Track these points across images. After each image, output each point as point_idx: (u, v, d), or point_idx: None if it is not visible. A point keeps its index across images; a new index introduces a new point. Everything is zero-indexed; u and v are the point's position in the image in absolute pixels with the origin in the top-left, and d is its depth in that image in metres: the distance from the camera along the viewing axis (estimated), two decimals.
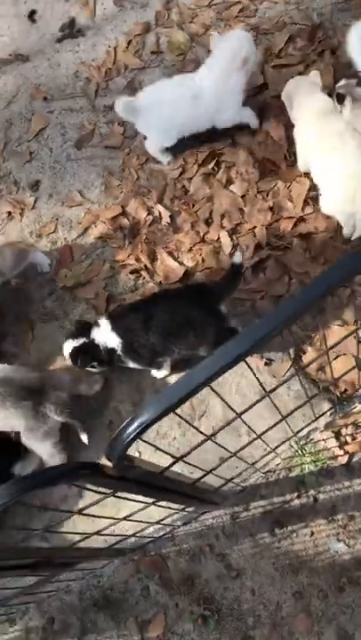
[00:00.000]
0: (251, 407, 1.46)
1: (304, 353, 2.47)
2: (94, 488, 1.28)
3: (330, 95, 2.52)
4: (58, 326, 2.77)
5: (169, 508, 1.88)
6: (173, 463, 1.42)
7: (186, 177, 2.88)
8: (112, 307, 2.72)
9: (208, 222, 2.78)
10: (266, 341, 1.17)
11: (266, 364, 2.47)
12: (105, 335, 2.35)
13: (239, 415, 1.46)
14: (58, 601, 2.34)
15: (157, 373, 2.49)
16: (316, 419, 2.26)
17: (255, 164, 2.81)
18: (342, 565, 2.13)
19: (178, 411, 1.18)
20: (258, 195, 2.77)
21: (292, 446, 2.29)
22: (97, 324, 2.39)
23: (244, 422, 1.55)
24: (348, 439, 2.26)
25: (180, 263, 2.73)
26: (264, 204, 2.74)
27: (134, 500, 1.52)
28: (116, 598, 2.28)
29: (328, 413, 2.28)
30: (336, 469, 2.24)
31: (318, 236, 2.62)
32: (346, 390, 2.33)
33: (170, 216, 2.82)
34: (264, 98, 2.90)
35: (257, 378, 1.51)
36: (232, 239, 2.72)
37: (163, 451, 1.40)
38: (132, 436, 1.15)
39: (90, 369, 2.43)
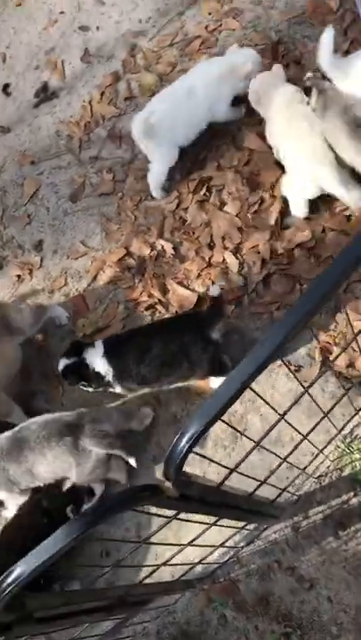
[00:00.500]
0: (292, 406, 1.48)
1: (330, 353, 2.49)
2: (157, 512, 1.29)
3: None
4: None
5: (230, 527, 1.88)
6: (229, 474, 1.44)
7: (182, 207, 2.96)
8: None
9: (211, 246, 2.84)
10: (295, 333, 1.20)
11: (296, 370, 2.49)
12: (96, 358, 2.47)
13: (282, 416, 1.48)
14: None
15: None
16: (357, 412, 2.27)
17: (243, 180, 2.89)
18: None
19: (220, 432, 1.21)
20: (250, 210, 2.83)
21: (338, 446, 2.29)
22: (92, 345, 2.51)
23: (288, 423, 1.57)
24: None
25: (192, 290, 2.78)
26: (261, 221, 2.79)
27: (196, 522, 1.53)
28: (194, 632, 2.25)
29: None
30: None
31: (318, 238, 2.67)
32: None
33: (173, 247, 2.89)
34: None
35: (293, 374, 1.53)
36: (237, 257, 2.77)
37: (217, 463, 1.42)
38: (185, 449, 1.17)
39: (82, 387, 2.56)
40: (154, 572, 1.78)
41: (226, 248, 2.81)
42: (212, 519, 1.61)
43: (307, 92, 2.59)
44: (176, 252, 2.88)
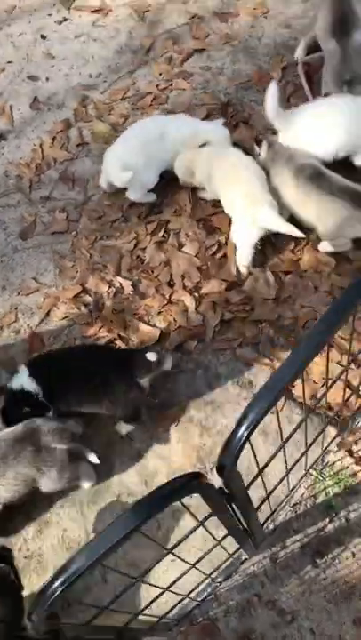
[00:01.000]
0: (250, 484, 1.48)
1: (293, 386, 2.57)
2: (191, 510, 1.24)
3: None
4: None
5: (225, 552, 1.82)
6: (260, 472, 1.42)
7: (140, 247, 3.00)
8: None
9: (171, 284, 2.88)
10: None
11: None
12: (23, 379, 2.39)
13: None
14: None
15: None
16: (329, 444, 2.34)
17: (199, 225, 3.00)
18: None
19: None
20: (208, 252, 2.93)
21: (311, 474, 2.32)
22: (16, 371, 2.45)
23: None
24: None
25: (153, 326, 2.78)
26: (219, 268, 2.89)
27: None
28: None
29: (337, 437, 2.35)
30: (359, 486, 2.29)
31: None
32: (343, 412, 2.42)
33: (132, 285, 2.90)
34: None
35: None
36: (195, 297, 2.83)
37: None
38: (245, 435, 1.15)
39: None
40: (148, 605, 1.66)
41: (185, 287, 2.86)
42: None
43: (258, 144, 2.87)
44: (135, 289, 2.89)
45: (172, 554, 1.41)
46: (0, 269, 3.10)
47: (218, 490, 1.28)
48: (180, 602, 1.91)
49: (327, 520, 2.25)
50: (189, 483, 1.17)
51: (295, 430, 1.69)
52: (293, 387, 2.57)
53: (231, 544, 1.92)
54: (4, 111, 3.65)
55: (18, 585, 1.96)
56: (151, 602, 1.62)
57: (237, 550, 2.00)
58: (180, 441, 2.52)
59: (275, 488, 1.79)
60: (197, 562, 1.67)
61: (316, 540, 2.23)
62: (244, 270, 2.83)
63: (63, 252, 3.09)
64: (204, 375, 2.66)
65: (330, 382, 1.75)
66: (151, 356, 2.42)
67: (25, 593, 1.99)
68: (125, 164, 2.89)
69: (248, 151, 2.90)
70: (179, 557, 1.53)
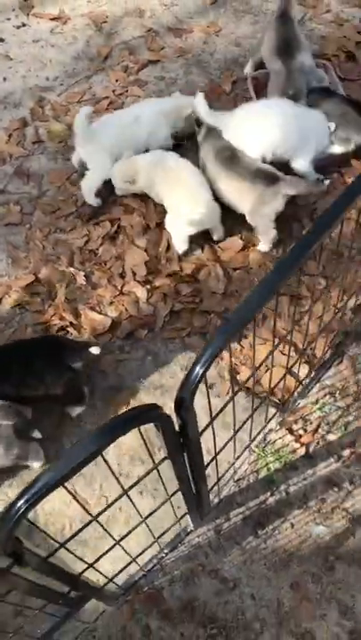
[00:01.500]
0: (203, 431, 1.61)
1: (238, 372, 2.71)
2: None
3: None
4: None
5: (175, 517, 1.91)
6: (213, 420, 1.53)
7: (93, 241, 3.09)
8: None
9: (122, 276, 2.99)
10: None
11: (210, 387, 2.64)
12: None
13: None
14: None
15: None
16: (265, 425, 2.48)
17: (148, 224, 3.13)
18: (327, 546, 2.27)
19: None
20: (157, 248, 3.06)
21: (254, 451, 2.45)
22: None
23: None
24: (301, 432, 2.48)
25: (105, 315, 2.87)
26: (169, 262, 3.02)
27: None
28: None
29: (277, 415, 2.50)
30: (298, 461, 2.43)
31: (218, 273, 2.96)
32: (283, 396, 2.58)
33: (85, 276, 2.98)
34: None
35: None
36: (146, 289, 2.94)
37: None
38: (207, 363, 1.28)
39: None
40: (98, 560, 1.73)
41: (137, 279, 2.97)
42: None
43: (198, 124, 3.13)
44: (88, 280, 2.98)
45: (127, 497, 1.50)
46: None
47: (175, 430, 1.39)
48: (128, 564, 1.98)
49: (268, 494, 2.38)
50: (150, 411, 1.27)
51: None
52: (239, 373, 2.72)
53: (181, 508, 2.02)
54: None
55: None
56: (104, 553, 1.69)
57: (184, 515, 2.09)
58: None
59: (220, 450, 1.90)
60: (148, 516, 1.76)
61: (258, 512, 2.35)
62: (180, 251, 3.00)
63: (17, 243, 3.15)
64: (153, 362, 2.76)
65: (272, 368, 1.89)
66: (95, 350, 2.56)
67: None
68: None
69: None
70: (132, 502, 1.61)
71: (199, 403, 1.56)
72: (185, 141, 3.30)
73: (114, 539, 1.68)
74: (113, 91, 3.66)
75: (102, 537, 2.23)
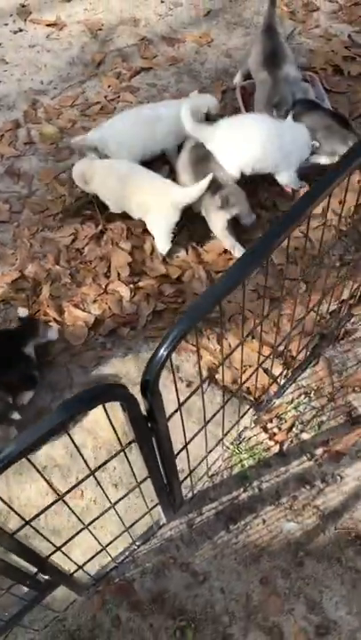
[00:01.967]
0: (171, 416, 1.65)
1: (216, 371, 2.76)
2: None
3: None
4: None
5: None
6: (180, 406, 1.58)
7: (77, 245, 3.14)
8: None
9: (107, 275, 3.04)
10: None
11: (187, 385, 2.70)
12: None
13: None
14: None
15: None
16: (238, 421, 2.52)
17: (131, 229, 3.19)
18: (297, 542, 2.30)
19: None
20: (141, 250, 3.12)
21: (228, 448, 2.49)
22: None
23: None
24: (276, 430, 2.53)
25: (88, 312, 2.92)
26: (151, 265, 3.08)
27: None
28: (85, 637, 2.16)
29: (251, 413, 2.55)
30: (272, 459, 2.47)
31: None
32: (259, 395, 2.63)
33: (70, 274, 3.03)
34: None
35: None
36: (130, 288, 2.99)
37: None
38: (171, 346, 1.32)
39: None
40: (66, 543, 1.76)
41: (121, 280, 3.02)
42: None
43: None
44: (73, 278, 3.03)
45: (94, 477, 1.54)
46: None
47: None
48: (98, 552, 2.01)
49: (241, 490, 2.42)
50: (115, 389, 1.32)
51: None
52: (217, 372, 2.76)
53: (153, 500, 2.06)
54: None
55: None
56: (72, 537, 1.72)
57: (155, 506, 2.12)
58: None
59: (190, 440, 1.94)
60: (118, 501, 1.80)
61: (231, 507, 2.38)
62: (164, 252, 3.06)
63: (4, 240, 3.20)
64: (134, 359, 2.80)
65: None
66: (22, 312, 2.74)
67: None
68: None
69: None
70: (101, 487, 1.65)
71: (171, 396, 1.62)
72: None
73: (82, 522, 1.72)
74: (105, 96, 3.74)
75: (75, 527, 2.26)
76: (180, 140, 3.23)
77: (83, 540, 1.86)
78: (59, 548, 1.69)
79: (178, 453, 1.88)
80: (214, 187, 2.89)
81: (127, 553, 2.29)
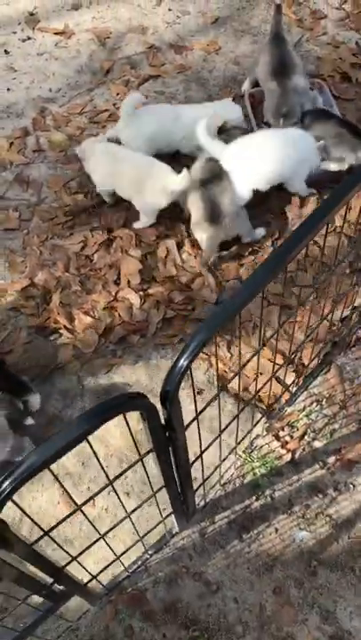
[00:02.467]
0: (188, 426, 1.65)
1: (227, 379, 2.75)
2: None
3: None
4: None
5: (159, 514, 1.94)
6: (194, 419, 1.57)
7: (86, 252, 3.14)
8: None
9: (117, 283, 3.04)
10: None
11: (198, 393, 2.69)
12: None
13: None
14: None
15: None
16: (250, 429, 2.51)
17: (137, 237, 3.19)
18: (310, 551, 2.29)
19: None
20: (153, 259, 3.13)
21: (240, 456, 2.49)
22: None
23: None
24: (288, 439, 2.52)
25: (98, 319, 2.92)
26: (163, 272, 3.08)
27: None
28: None
29: (263, 421, 2.54)
30: (284, 467, 2.46)
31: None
32: (271, 402, 2.62)
33: (80, 282, 3.04)
34: None
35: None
36: (140, 296, 2.99)
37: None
38: (192, 355, 1.32)
39: None
40: (81, 553, 1.75)
41: (130, 287, 3.02)
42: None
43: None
44: (83, 286, 3.03)
45: (112, 487, 1.53)
46: None
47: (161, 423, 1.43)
48: (112, 562, 2.00)
49: (254, 498, 2.41)
50: (135, 399, 1.32)
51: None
52: (229, 382, 2.76)
53: (166, 509, 2.05)
54: None
55: None
56: (88, 547, 1.72)
57: (169, 515, 2.12)
58: (119, 425, 2.61)
59: (205, 449, 1.93)
60: (133, 511, 1.79)
61: (243, 516, 2.38)
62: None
63: (14, 247, 3.20)
64: (144, 367, 2.80)
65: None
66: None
67: None
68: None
69: None
70: (117, 494, 1.64)
71: (186, 407, 1.61)
72: None
73: (98, 532, 1.71)
74: (114, 104, 3.75)
75: (88, 536, 2.28)
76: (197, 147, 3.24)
77: (95, 549, 1.85)
78: (74, 558, 1.68)
79: (193, 462, 1.87)
80: (214, 215, 2.92)
81: (140, 562, 2.28)
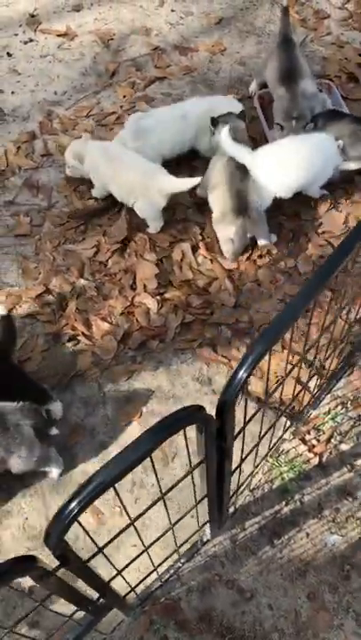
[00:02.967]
0: (237, 435, 1.61)
1: (248, 383, 2.73)
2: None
3: None
4: None
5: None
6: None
7: (100, 258, 3.11)
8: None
9: (133, 288, 3.01)
10: None
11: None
12: None
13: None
14: None
15: None
16: (281, 436, 2.51)
17: (151, 241, 3.16)
18: (342, 555, 2.28)
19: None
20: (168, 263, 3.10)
21: (268, 461, 2.47)
22: None
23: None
24: (314, 442, 2.51)
25: (116, 325, 2.89)
26: (178, 275, 3.06)
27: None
28: None
29: (289, 424, 2.53)
30: (312, 471, 2.45)
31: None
32: (293, 406, 2.60)
33: (95, 287, 3.00)
34: None
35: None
36: (157, 300, 2.96)
37: None
38: (251, 368, 1.30)
39: None
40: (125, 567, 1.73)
41: (147, 291, 2.99)
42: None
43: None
44: (99, 291, 2.99)
45: (163, 500, 1.51)
46: None
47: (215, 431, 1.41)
48: (150, 573, 1.98)
49: (283, 503, 2.40)
50: (197, 412, 1.30)
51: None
52: (249, 384, 2.74)
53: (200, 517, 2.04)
54: None
55: None
56: (132, 560, 1.69)
57: (205, 524, 2.10)
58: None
59: (246, 457, 1.91)
60: (176, 522, 1.77)
61: (273, 521, 2.36)
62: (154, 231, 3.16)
63: (27, 253, 3.16)
64: (165, 372, 2.78)
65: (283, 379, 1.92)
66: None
67: None
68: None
69: None
70: (166, 508, 1.62)
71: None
72: None
73: (143, 545, 1.69)
74: (120, 106, 3.72)
75: (117, 547, 2.24)
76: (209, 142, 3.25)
77: (127, 559, 1.82)
78: (119, 572, 1.66)
79: (235, 470, 1.86)
80: (241, 207, 2.89)
81: (172, 571, 2.26)
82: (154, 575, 2.13)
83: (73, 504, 1.16)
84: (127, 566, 1.68)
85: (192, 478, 1.59)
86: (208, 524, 2.17)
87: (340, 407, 2.61)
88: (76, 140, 3.29)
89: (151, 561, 1.86)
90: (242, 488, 2.37)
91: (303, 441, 2.52)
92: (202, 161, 3.32)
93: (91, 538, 1.41)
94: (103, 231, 3.21)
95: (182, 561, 2.27)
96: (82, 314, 2.92)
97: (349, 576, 2.25)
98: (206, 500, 1.88)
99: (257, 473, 2.44)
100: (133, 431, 2.62)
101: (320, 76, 3.72)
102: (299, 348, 2.67)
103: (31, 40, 4.13)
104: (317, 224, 3.19)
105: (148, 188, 2.98)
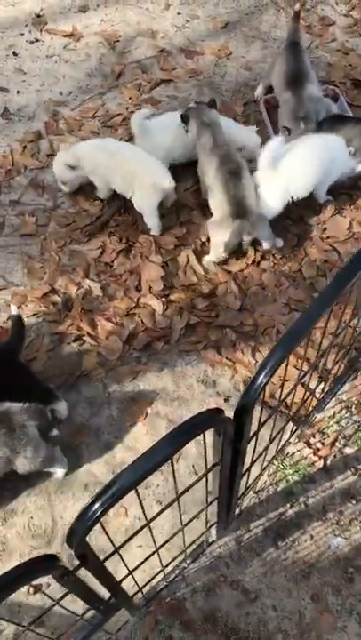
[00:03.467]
0: (252, 438, 1.63)
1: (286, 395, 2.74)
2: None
3: None
4: None
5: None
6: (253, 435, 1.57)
7: (105, 259, 3.12)
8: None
9: (138, 289, 3.02)
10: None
11: (225, 400, 2.69)
12: None
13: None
14: None
15: None
16: (288, 439, 2.52)
17: (157, 243, 3.18)
18: (345, 557, 2.31)
19: None
20: (171, 262, 3.12)
21: (273, 463, 2.49)
22: None
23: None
24: (319, 445, 2.53)
25: (121, 326, 2.90)
26: (183, 279, 3.07)
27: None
28: None
29: (293, 428, 2.55)
30: (316, 474, 2.47)
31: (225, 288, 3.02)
32: (298, 409, 2.62)
33: (101, 288, 3.01)
34: None
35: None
36: (162, 302, 2.98)
37: None
38: (270, 373, 1.31)
39: None
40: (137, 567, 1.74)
41: (152, 292, 3.01)
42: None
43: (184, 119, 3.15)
44: (104, 292, 3.00)
45: (178, 502, 1.52)
46: None
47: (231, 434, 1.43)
48: (158, 573, 1.99)
49: (288, 505, 2.42)
50: (217, 415, 1.31)
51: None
52: (287, 396, 2.74)
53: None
54: None
55: None
56: (144, 560, 1.71)
57: (213, 525, 2.11)
58: (148, 433, 2.62)
59: (255, 460, 1.94)
60: (188, 523, 1.78)
61: (278, 523, 2.38)
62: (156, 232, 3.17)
63: (32, 253, 3.17)
64: (170, 373, 2.79)
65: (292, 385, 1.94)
66: (13, 310, 2.61)
67: None
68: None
69: None
70: (179, 510, 1.63)
71: None
72: None
73: (155, 544, 1.70)
74: (126, 108, 3.73)
75: (123, 548, 2.24)
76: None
77: (133, 559, 1.83)
78: (131, 572, 1.68)
79: (245, 472, 1.87)
80: (240, 212, 2.90)
81: (177, 571, 2.27)
82: (159, 575, 2.15)
83: (96, 505, 1.18)
84: (139, 566, 1.69)
85: (206, 480, 1.60)
86: (215, 525, 2.18)
87: (344, 411, 2.63)
88: (59, 154, 3.26)
89: (160, 561, 1.87)
90: (248, 490, 2.39)
91: (308, 444, 2.54)
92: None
93: (109, 538, 1.42)
94: (109, 232, 3.22)
95: (188, 561, 2.28)
96: (87, 314, 2.93)
97: (353, 578, 2.27)
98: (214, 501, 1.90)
99: (261, 475, 2.46)
100: (138, 432, 2.63)
101: (325, 82, 3.75)
102: (301, 352, 2.70)
103: (37, 40, 4.13)
104: (322, 229, 3.22)
105: (143, 180, 3.01)
